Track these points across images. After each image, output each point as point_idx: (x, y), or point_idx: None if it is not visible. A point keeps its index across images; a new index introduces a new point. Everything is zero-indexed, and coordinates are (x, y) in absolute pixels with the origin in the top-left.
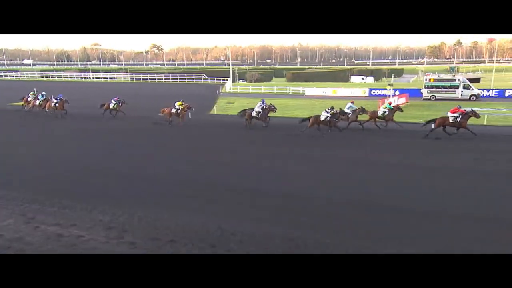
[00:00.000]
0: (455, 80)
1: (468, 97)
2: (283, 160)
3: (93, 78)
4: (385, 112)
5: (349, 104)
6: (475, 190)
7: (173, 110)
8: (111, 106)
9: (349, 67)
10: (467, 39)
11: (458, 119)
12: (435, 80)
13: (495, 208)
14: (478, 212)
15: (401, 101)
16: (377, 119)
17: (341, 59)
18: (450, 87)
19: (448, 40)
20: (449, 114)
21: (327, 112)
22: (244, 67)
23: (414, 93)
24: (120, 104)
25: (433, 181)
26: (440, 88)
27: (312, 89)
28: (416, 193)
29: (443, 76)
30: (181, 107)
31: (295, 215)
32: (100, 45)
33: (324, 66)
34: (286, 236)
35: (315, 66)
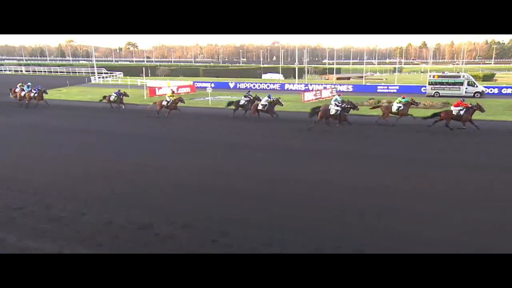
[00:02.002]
0: (459, 76)
1: (472, 94)
2: None
3: (25, 71)
4: (400, 107)
5: (336, 97)
6: None
7: (164, 103)
8: (112, 98)
9: (265, 65)
10: (432, 41)
11: (462, 113)
12: (439, 76)
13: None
14: None
15: (184, 90)
16: (390, 114)
17: (316, 59)
18: (454, 83)
19: (415, 42)
20: (453, 108)
21: (337, 106)
22: (200, 65)
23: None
24: (121, 96)
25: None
26: (444, 85)
27: (153, 81)
28: None
29: (447, 73)
30: (172, 99)
31: None
32: (75, 42)
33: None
34: None
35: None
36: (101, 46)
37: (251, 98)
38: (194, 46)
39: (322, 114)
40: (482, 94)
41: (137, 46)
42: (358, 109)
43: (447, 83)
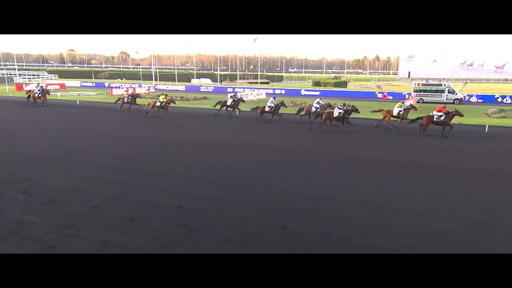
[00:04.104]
0: (441, 85)
1: (452, 101)
2: None
3: None
4: (401, 111)
5: (317, 99)
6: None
7: (158, 103)
8: (125, 100)
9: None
10: (384, 55)
11: (442, 118)
12: (423, 85)
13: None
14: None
15: (53, 87)
16: (391, 118)
17: (288, 68)
18: (436, 91)
19: (370, 55)
20: (435, 113)
21: (340, 109)
22: (145, 70)
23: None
24: (134, 99)
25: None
26: (427, 92)
27: (71, 82)
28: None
29: (431, 81)
30: (164, 100)
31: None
32: (75, 51)
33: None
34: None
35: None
36: (100, 54)
37: (237, 99)
38: (184, 55)
39: (326, 116)
40: (460, 100)
41: (128, 55)
42: (359, 112)
43: (430, 91)
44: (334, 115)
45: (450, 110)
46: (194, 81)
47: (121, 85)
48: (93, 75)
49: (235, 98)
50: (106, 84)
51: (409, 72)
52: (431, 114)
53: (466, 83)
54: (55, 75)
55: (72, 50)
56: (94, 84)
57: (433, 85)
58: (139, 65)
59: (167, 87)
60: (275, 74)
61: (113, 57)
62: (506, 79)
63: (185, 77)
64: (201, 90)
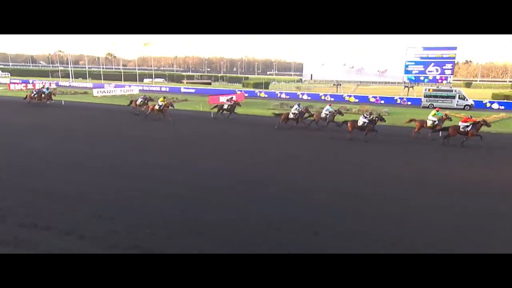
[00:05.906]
0: (451, 91)
1: (462, 107)
2: None
3: None
4: (435, 121)
5: (327, 106)
6: None
7: (156, 107)
8: (138, 103)
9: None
10: None
11: (469, 128)
12: (434, 90)
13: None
14: None
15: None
16: (423, 128)
17: (269, 71)
18: (447, 97)
19: None
20: (460, 124)
21: (365, 118)
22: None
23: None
24: (146, 101)
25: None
26: (438, 98)
27: (2, 79)
28: None
29: (441, 87)
30: (163, 103)
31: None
32: (63, 52)
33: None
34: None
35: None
36: (89, 55)
37: (233, 103)
38: (173, 57)
39: (351, 124)
40: (471, 107)
41: (115, 56)
42: (385, 121)
43: (441, 96)
44: (358, 124)
45: (478, 120)
46: (146, 81)
47: (20, 81)
48: (50, 75)
49: (231, 103)
50: (36, 82)
51: (312, 75)
52: (458, 124)
53: (358, 85)
54: (7, 73)
55: (60, 51)
56: (20, 81)
57: (443, 90)
58: (126, 65)
59: (78, 84)
60: (238, 76)
61: (98, 58)
62: (388, 82)
63: (139, 77)
64: (104, 87)
